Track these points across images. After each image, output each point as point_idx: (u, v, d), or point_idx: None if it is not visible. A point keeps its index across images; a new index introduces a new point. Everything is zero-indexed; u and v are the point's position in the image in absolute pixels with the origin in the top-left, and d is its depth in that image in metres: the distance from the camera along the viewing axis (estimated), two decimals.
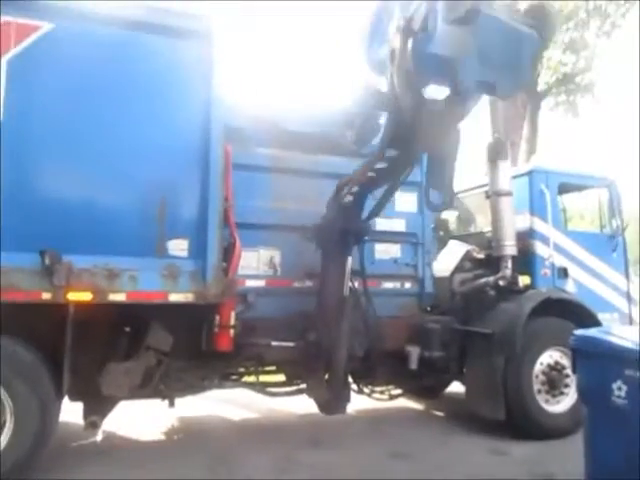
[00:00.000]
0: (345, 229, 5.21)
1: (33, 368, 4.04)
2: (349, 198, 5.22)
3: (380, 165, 5.03)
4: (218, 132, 4.58)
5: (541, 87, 13.92)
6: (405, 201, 6.05)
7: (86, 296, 4.03)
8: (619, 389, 3.38)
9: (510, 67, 4.39)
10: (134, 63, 4.37)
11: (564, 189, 6.64)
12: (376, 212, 5.34)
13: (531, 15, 4.59)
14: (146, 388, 4.67)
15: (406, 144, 4.74)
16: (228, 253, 4.65)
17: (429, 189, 5.08)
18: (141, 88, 4.39)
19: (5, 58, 4.02)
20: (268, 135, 5.46)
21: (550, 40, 4.88)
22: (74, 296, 4.00)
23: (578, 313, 5.83)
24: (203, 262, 4.43)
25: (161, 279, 4.29)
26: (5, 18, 4.02)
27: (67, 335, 4.07)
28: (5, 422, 3.94)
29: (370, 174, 5.09)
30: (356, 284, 5.50)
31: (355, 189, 5.22)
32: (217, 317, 4.63)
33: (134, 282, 4.18)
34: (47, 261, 3.90)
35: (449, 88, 4.31)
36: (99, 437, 4.99)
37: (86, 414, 4.57)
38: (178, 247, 4.43)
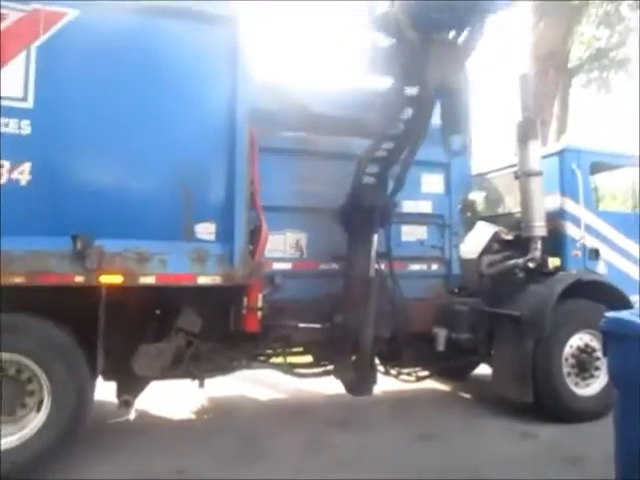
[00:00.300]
0: (370, 206, 5.19)
1: (69, 350, 4.15)
2: (371, 176, 5.25)
3: (396, 131, 5.10)
4: (243, 116, 4.59)
5: (573, 63, 13.54)
6: (431, 182, 5.99)
7: (117, 279, 4.12)
8: None
9: None
10: (159, 49, 4.39)
11: (596, 169, 6.47)
12: (400, 184, 5.33)
13: None
14: (177, 369, 4.78)
15: (419, 80, 4.83)
16: (255, 236, 4.69)
17: (447, 136, 5.13)
18: (167, 73, 4.41)
19: (35, 45, 4.08)
20: (294, 118, 5.45)
21: None
22: (106, 279, 4.09)
23: (609, 295, 5.72)
24: (230, 245, 4.48)
25: (190, 262, 4.36)
26: (34, 5, 4.08)
27: (100, 317, 4.17)
28: (43, 401, 4.08)
29: (386, 145, 5.15)
30: (382, 266, 5.49)
31: (375, 168, 5.28)
32: (245, 299, 4.68)
33: (163, 265, 4.26)
34: (79, 245, 4.00)
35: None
36: (132, 415, 5.14)
37: (119, 393, 4.69)
38: (206, 230, 4.48)
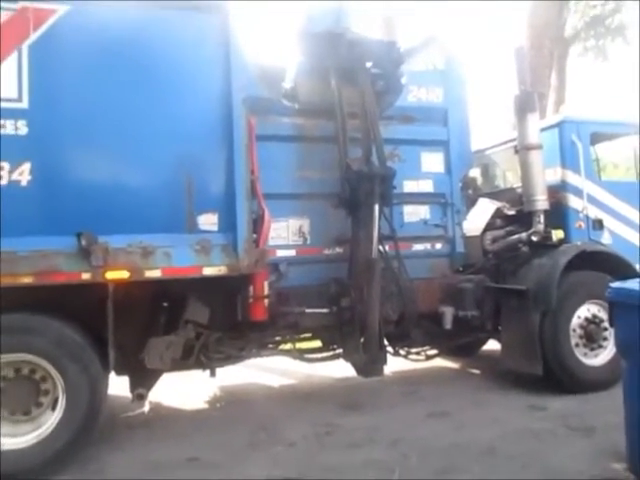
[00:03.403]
0: (369, 175, 5.15)
1: (80, 347, 4.19)
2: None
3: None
4: (240, 104, 4.59)
5: (568, 33, 13.38)
6: (431, 162, 5.96)
7: (123, 274, 4.15)
8: None
9: None
10: (152, 40, 4.38)
11: (596, 139, 6.43)
12: (382, 158, 5.32)
13: None
14: (187, 360, 4.82)
15: None
16: (257, 225, 4.70)
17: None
18: (161, 65, 4.40)
19: (26, 44, 4.06)
20: (290, 104, 5.42)
21: None
22: (112, 275, 4.11)
23: (615, 265, 5.73)
24: (233, 235, 4.50)
25: (194, 254, 4.38)
26: (22, 4, 4.05)
27: (109, 313, 4.20)
28: (58, 399, 4.13)
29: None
30: (387, 247, 5.50)
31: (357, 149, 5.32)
32: (251, 288, 4.71)
33: (168, 258, 4.28)
34: (84, 243, 4.02)
35: None
36: (146, 408, 5.21)
37: (132, 387, 4.75)
38: (208, 221, 4.50)
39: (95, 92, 4.22)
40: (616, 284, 3.84)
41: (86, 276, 4.06)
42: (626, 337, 3.67)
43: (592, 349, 5.62)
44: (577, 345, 5.58)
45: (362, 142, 5.34)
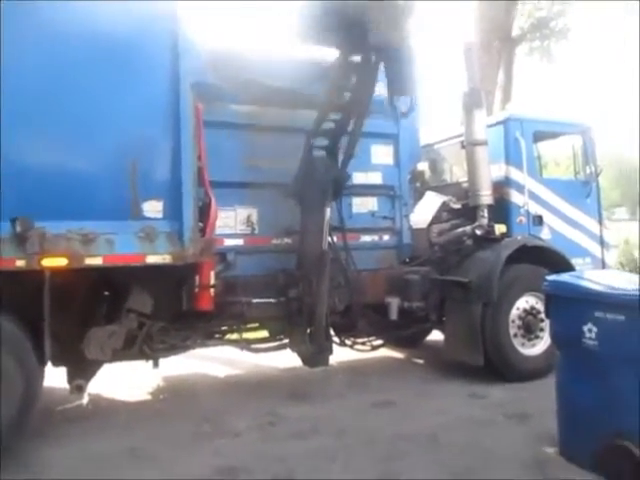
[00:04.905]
0: (323, 179, 5.19)
1: (14, 337, 4.01)
2: (321, 149, 5.29)
3: (341, 101, 5.19)
4: (188, 90, 4.49)
5: (515, 33, 13.76)
6: (381, 154, 6.03)
7: (61, 262, 3.99)
8: (589, 331, 3.51)
9: None
10: (97, 23, 4.19)
11: (539, 137, 6.66)
12: (349, 156, 5.34)
13: None
14: (129, 350, 4.72)
15: (359, 45, 4.83)
16: (204, 213, 4.62)
17: (393, 97, 5.25)
18: (106, 48, 4.23)
19: None
20: (240, 91, 5.34)
21: None
22: (49, 262, 3.95)
23: (553, 259, 5.95)
24: (179, 223, 4.41)
25: (137, 241, 4.27)
26: None
27: (45, 302, 4.04)
28: None
29: (333, 116, 5.23)
30: (335, 239, 5.52)
31: (324, 141, 5.34)
32: (197, 277, 4.64)
33: (110, 246, 4.15)
34: (19, 228, 3.84)
35: None
36: (85, 400, 5.05)
37: (70, 378, 4.60)
38: (153, 208, 4.38)
39: (35, 73, 4.02)
40: (552, 277, 4.00)
41: (20, 263, 3.88)
42: (560, 328, 3.83)
43: (529, 339, 5.84)
44: (515, 335, 5.78)
45: (331, 137, 5.35)
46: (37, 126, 4.04)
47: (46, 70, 4.06)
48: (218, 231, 4.97)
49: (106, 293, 4.76)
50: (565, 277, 3.99)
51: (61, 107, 4.10)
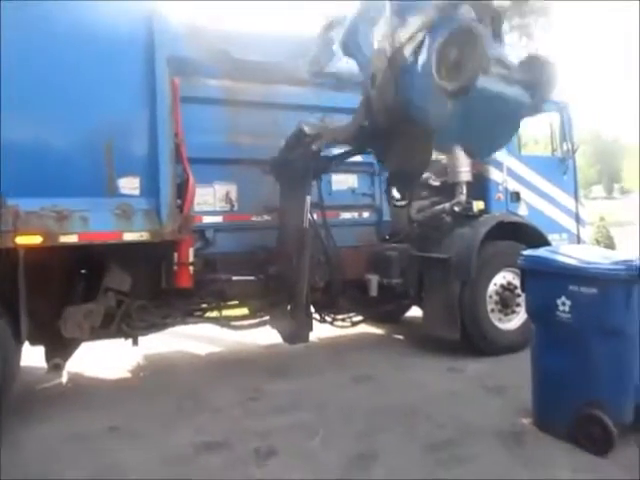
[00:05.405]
0: (308, 166, 5.17)
1: None
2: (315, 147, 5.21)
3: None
4: (163, 64, 4.39)
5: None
6: None
7: (35, 239, 3.92)
8: (563, 304, 3.58)
9: (491, 134, 4.25)
10: None
11: None
12: (339, 161, 5.39)
13: (527, 67, 4.20)
14: (108, 329, 4.69)
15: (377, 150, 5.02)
16: (182, 190, 4.57)
17: (391, 188, 5.32)
18: (79, 25, 4.12)
19: None
20: (218, 65, 5.25)
21: (545, 100, 4.38)
22: (23, 240, 3.88)
23: (529, 235, 6.03)
24: (156, 200, 4.35)
25: (114, 219, 4.21)
26: None
27: (20, 280, 3.98)
28: None
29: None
30: (315, 216, 5.51)
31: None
32: (175, 255, 4.61)
33: (85, 223, 4.09)
34: None
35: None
36: (64, 379, 5.02)
37: (48, 357, 4.56)
38: (129, 185, 4.32)
39: (7, 50, 3.89)
40: (527, 252, 4.05)
41: None
42: (535, 301, 3.90)
43: (506, 314, 5.93)
44: (493, 311, 5.87)
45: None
46: (8, 103, 3.91)
47: (18, 47, 3.93)
48: (197, 208, 4.94)
49: (83, 271, 4.71)
50: (540, 252, 4.04)
51: (34, 83, 4.00)
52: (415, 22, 4.13)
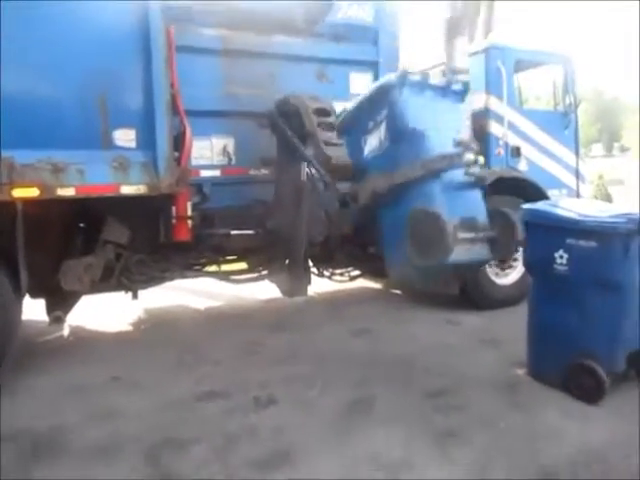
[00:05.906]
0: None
1: None
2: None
3: None
4: (158, 12, 4.26)
5: None
6: (360, 83, 5.86)
7: (32, 192, 3.88)
8: (561, 257, 3.60)
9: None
10: None
11: (520, 66, 6.53)
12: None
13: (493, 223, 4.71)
14: (107, 282, 4.71)
15: None
16: (179, 142, 4.51)
17: None
18: None
19: None
20: (214, 14, 5.10)
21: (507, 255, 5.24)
22: (20, 192, 3.84)
23: (529, 191, 5.99)
24: (153, 152, 4.30)
25: (111, 171, 4.16)
26: None
27: (18, 234, 3.97)
28: None
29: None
30: (313, 170, 5.45)
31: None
32: (173, 208, 4.59)
33: (82, 175, 4.04)
34: None
35: None
36: (65, 332, 5.07)
37: (49, 310, 4.60)
38: (125, 137, 4.25)
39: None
40: (527, 205, 4.04)
41: None
42: (533, 254, 3.92)
43: (503, 269, 5.97)
44: (490, 265, 5.89)
45: None
46: (3, 55, 3.81)
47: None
48: (194, 162, 4.89)
49: (82, 225, 4.69)
50: (539, 205, 4.03)
51: (26, 35, 3.88)
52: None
